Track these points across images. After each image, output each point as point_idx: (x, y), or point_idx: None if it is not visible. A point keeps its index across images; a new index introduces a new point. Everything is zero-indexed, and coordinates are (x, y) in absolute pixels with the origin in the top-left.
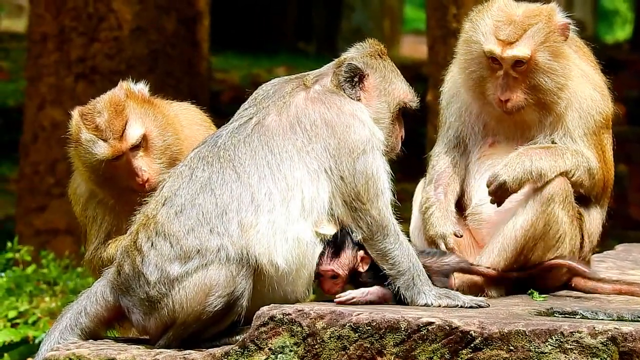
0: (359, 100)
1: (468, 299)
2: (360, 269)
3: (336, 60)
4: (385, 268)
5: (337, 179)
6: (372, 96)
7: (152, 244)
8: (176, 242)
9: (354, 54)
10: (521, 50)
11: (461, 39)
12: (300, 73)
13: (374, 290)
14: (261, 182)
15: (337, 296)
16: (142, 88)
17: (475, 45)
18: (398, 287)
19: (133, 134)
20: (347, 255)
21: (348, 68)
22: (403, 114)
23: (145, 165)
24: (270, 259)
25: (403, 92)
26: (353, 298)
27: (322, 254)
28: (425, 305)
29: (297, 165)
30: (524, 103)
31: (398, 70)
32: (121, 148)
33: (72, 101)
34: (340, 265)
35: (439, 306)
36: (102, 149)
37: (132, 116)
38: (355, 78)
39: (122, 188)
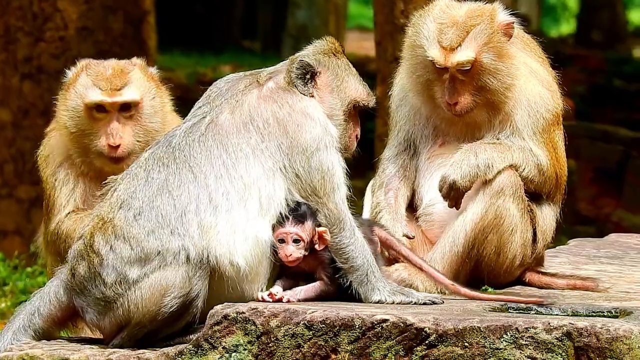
0: (312, 96)
1: (422, 296)
2: (317, 246)
3: (290, 58)
4: (339, 261)
5: (293, 176)
6: (325, 93)
7: (110, 247)
8: (136, 244)
9: (308, 52)
10: (464, 54)
11: (406, 44)
12: (248, 71)
13: (309, 288)
14: (218, 182)
15: (270, 293)
16: (154, 70)
17: (419, 50)
18: (351, 283)
19: (128, 94)
20: (310, 225)
21: (300, 65)
22: (360, 113)
23: (123, 132)
24: (231, 260)
25: (357, 91)
26: (283, 298)
27: (281, 220)
28: (379, 302)
29: (253, 164)
30: (473, 105)
31: (354, 70)
32: (112, 100)
33: (18, 101)
34: (304, 230)
35: (393, 303)
36: (94, 93)
37: (134, 81)
38: (307, 75)
39: (88, 147)
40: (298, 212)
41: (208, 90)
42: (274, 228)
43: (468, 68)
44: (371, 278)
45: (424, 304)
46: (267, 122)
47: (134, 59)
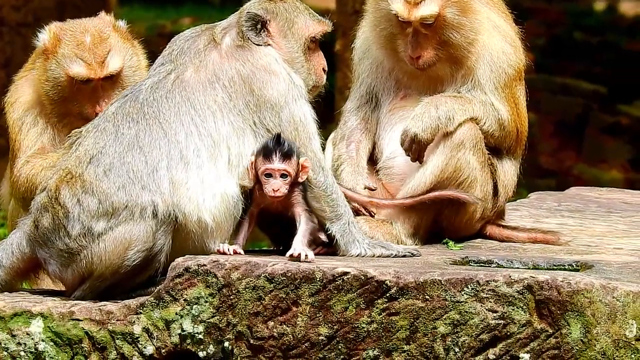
0: (268, 45)
1: (402, 248)
2: (300, 179)
3: (239, 10)
4: (325, 210)
5: (264, 131)
6: (280, 39)
7: (77, 201)
8: (105, 198)
9: (253, 2)
10: (428, 9)
11: None
12: (203, 25)
13: (303, 231)
14: (188, 138)
15: (290, 253)
16: (124, 25)
17: (383, 3)
18: (334, 234)
19: (113, 65)
20: (295, 159)
21: (247, 17)
22: (320, 44)
23: (108, 98)
24: (198, 217)
25: (309, 27)
26: (307, 257)
27: (267, 155)
28: (359, 255)
29: (222, 122)
30: (435, 59)
31: (301, 6)
32: (98, 74)
33: None
34: (290, 165)
35: (373, 256)
36: (79, 68)
37: (115, 47)
38: (257, 25)
39: (70, 110)
40: (284, 148)
41: (168, 47)
42: (258, 163)
43: (431, 22)
44: (352, 229)
45: (404, 256)
46: (232, 80)
47: (104, 16)
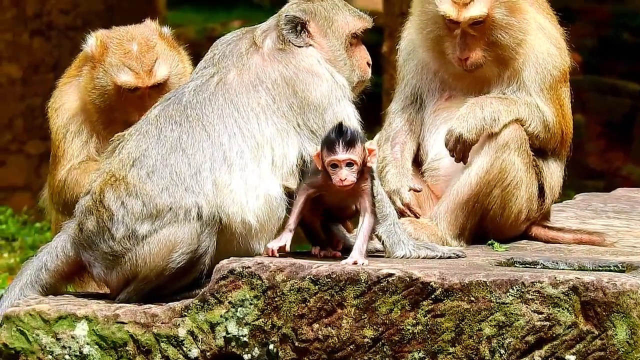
0: (309, 46)
1: (447, 249)
2: (369, 163)
3: (278, 13)
4: None
5: (308, 133)
6: (320, 38)
7: (122, 203)
8: (149, 200)
9: (291, 4)
10: (477, 9)
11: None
12: (242, 28)
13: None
14: (231, 140)
15: (347, 261)
16: (169, 32)
17: (430, 5)
18: (380, 234)
19: (161, 73)
20: (359, 146)
21: (287, 20)
22: (362, 39)
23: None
24: (242, 218)
25: (349, 24)
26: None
27: (331, 146)
28: (404, 256)
29: (265, 124)
30: (483, 60)
31: (340, 3)
32: (146, 82)
33: (28, 57)
34: (357, 153)
35: (418, 257)
36: (127, 77)
37: (162, 56)
38: (297, 27)
39: (116, 118)
40: (348, 137)
41: (210, 51)
42: (323, 155)
43: (480, 23)
44: (397, 229)
45: (449, 257)
46: (275, 83)
47: (149, 23)
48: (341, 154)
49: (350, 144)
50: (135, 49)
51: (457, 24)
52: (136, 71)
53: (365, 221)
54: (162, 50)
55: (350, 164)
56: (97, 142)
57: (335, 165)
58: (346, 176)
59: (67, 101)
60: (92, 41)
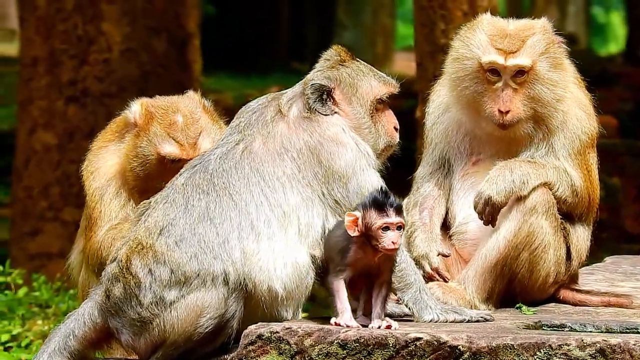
0: (335, 113)
1: (475, 313)
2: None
3: (304, 80)
4: (393, 281)
5: (332, 202)
6: (345, 105)
7: (149, 270)
8: (177, 267)
9: (317, 71)
10: (523, 59)
11: (450, 58)
12: (268, 95)
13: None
14: (258, 209)
15: (382, 325)
16: (211, 105)
17: (469, 61)
18: (406, 302)
19: (205, 146)
20: (404, 215)
21: (313, 89)
22: (389, 104)
23: None
24: (269, 286)
25: (374, 89)
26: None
27: (382, 208)
28: (432, 320)
29: (291, 193)
30: (522, 115)
31: (365, 68)
32: (190, 155)
33: (63, 124)
34: (403, 217)
35: (446, 321)
36: (172, 148)
37: (205, 129)
38: (323, 96)
39: (153, 187)
40: (395, 201)
41: (235, 119)
42: (371, 218)
43: (523, 75)
44: (423, 296)
45: (477, 321)
46: (300, 152)
47: (193, 95)
48: (394, 217)
49: (399, 207)
50: (181, 121)
51: (500, 76)
52: (181, 143)
53: (383, 290)
54: (206, 123)
55: (400, 227)
56: (134, 207)
57: (386, 229)
58: (397, 239)
59: (103, 165)
60: (137, 108)
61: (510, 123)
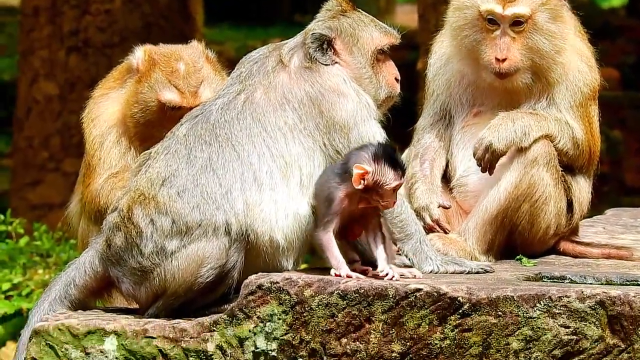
0: (335, 63)
1: (475, 265)
2: None
3: (305, 30)
4: (394, 231)
5: (334, 153)
6: (346, 55)
7: (151, 220)
8: (179, 218)
9: (318, 21)
10: (521, 8)
11: (452, 7)
12: (270, 45)
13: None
14: (261, 160)
15: (386, 273)
16: (214, 55)
17: (469, 10)
18: (406, 252)
19: (206, 96)
20: None
21: (313, 39)
22: (390, 55)
23: None
24: (270, 236)
25: (374, 40)
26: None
27: (398, 170)
28: (432, 271)
29: (292, 143)
30: (520, 65)
31: (366, 19)
32: (190, 103)
33: (64, 74)
34: None
35: (446, 272)
36: (172, 95)
37: (207, 79)
38: (324, 45)
39: (152, 135)
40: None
41: (236, 69)
42: (383, 176)
43: (522, 22)
44: (424, 247)
45: (477, 272)
46: (302, 103)
47: (196, 45)
48: (402, 179)
49: (404, 168)
50: (183, 69)
51: (498, 25)
52: (182, 90)
53: (379, 231)
54: (208, 73)
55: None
56: (134, 156)
57: (394, 190)
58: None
59: (104, 112)
60: (140, 54)
61: (507, 72)
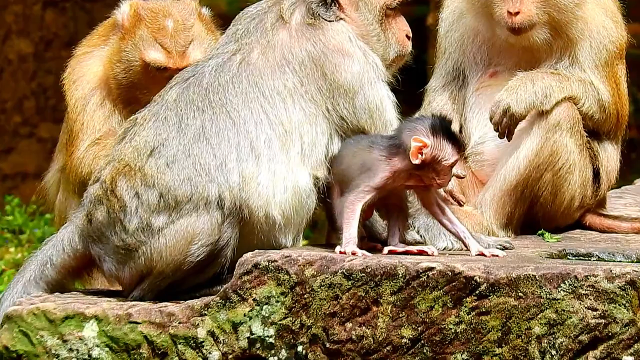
0: (340, 19)
1: (492, 240)
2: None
3: None
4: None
5: (338, 119)
6: (352, 11)
7: (136, 194)
8: (167, 191)
9: None
10: None
11: None
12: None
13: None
14: (258, 128)
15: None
16: (208, 13)
17: None
18: (417, 228)
19: (195, 56)
20: None
21: None
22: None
23: None
24: (266, 212)
25: None
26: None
27: (457, 146)
28: (445, 248)
29: (293, 109)
30: (535, 19)
31: None
32: (177, 64)
33: (40, 32)
34: None
35: (461, 249)
36: (157, 55)
37: (197, 38)
38: (327, 0)
39: (137, 97)
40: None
41: (232, 26)
42: (443, 152)
43: None
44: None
45: (496, 249)
46: (303, 64)
47: (189, 1)
48: (460, 155)
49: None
50: (171, 26)
51: None
52: (168, 50)
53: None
54: (199, 32)
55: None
56: (119, 120)
57: (451, 167)
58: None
59: (87, 72)
60: (126, 9)
61: (521, 26)
